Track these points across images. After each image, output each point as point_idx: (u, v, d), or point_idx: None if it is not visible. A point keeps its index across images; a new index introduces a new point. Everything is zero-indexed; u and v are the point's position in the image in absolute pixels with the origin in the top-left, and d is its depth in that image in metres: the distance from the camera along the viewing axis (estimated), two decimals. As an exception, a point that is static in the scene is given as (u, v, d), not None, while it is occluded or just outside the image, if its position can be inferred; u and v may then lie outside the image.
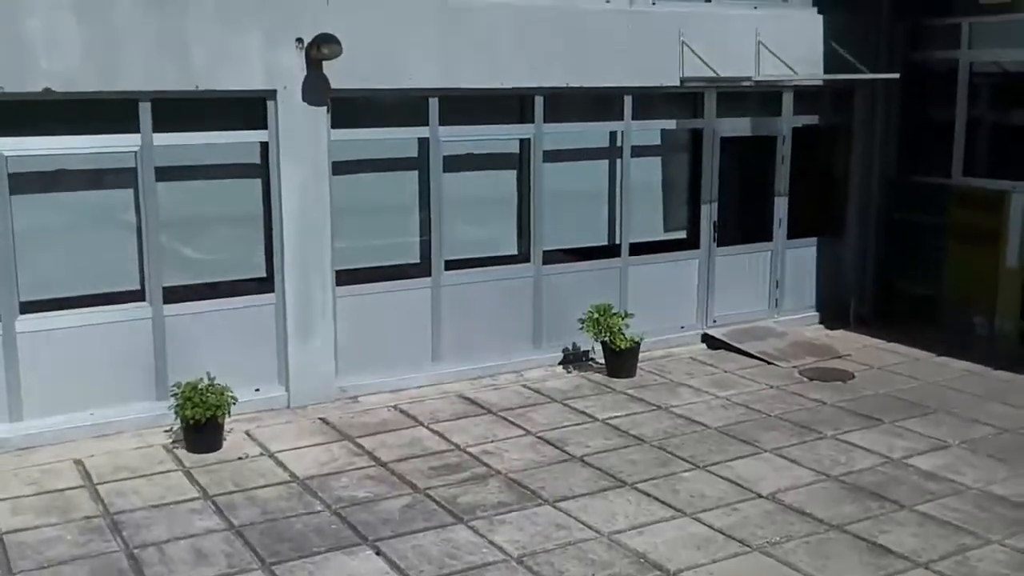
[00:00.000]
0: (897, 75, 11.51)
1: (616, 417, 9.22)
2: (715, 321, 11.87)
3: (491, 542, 6.75)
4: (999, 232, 11.53)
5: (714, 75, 10.68)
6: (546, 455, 8.32)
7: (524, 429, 8.92)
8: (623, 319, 10.47)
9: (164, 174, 8.76)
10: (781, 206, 12.15)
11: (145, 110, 8.53)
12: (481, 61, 9.89)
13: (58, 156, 8.37)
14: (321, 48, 8.88)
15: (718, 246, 11.76)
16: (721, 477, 7.85)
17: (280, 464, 8.13)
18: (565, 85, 10.37)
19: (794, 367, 10.80)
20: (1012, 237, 11.42)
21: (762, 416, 9.25)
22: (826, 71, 11.82)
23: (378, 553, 6.61)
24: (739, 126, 11.68)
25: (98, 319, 8.64)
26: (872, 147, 12.53)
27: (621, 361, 10.44)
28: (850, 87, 12.02)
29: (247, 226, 9.31)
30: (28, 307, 8.39)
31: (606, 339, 10.41)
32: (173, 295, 8.93)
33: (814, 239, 12.51)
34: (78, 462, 8.09)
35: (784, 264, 12.30)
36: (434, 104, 9.81)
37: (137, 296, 8.84)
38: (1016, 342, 11.43)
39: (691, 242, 11.73)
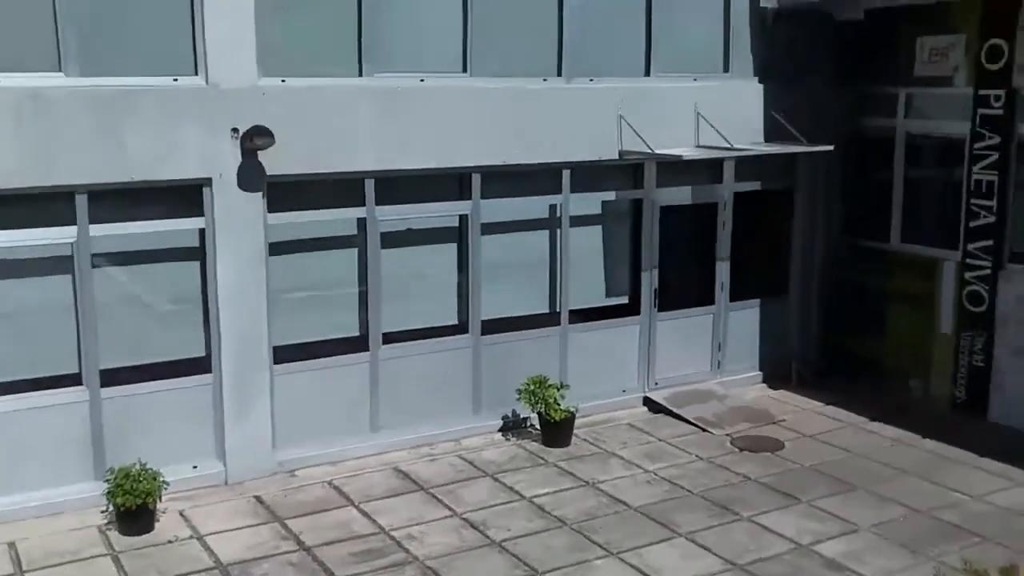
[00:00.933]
0: (831, 147, 11.76)
1: (542, 495, 9.48)
2: (657, 384, 12.13)
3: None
4: (933, 298, 11.79)
5: (649, 151, 10.93)
6: (467, 540, 8.59)
7: (451, 510, 9.18)
8: (558, 390, 10.74)
9: (102, 260, 9.04)
10: (723, 270, 12.41)
11: (82, 202, 8.81)
12: (418, 143, 10.17)
13: (-2, 248, 8.65)
14: (255, 139, 9.17)
15: (659, 311, 12.02)
16: (631, 566, 8.11)
17: (207, 548, 8.41)
18: (502, 163, 10.64)
19: (727, 435, 11.06)
20: (944, 303, 11.68)
21: (685, 494, 9.51)
22: (767, 139, 12.10)
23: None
24: (680, 195, 11.94)
25: (37, 403, 8.92)
26: (815, 211, 12.79)
27: (556, 431, 10.71)
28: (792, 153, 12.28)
29: (185, 308, 9.58)
30: (-33, 393, 8.68)
31: (541, 410, 10.67)
32: (111, 377, 9.20)
33: (757, 301, 12.75)
34: (11, 545, 8.37)
35: (727, 326, 12.55)
36: (370, 185, 10.09)
37: (75, 380, 9.11)
38: (949, 407, 11.69)
39: (632, 308, 11.99)
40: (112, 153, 8.78)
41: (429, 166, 10.27)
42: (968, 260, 11.36)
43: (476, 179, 10.64)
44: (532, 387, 10.72)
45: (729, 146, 11.34)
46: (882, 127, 12.30)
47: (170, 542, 8.54)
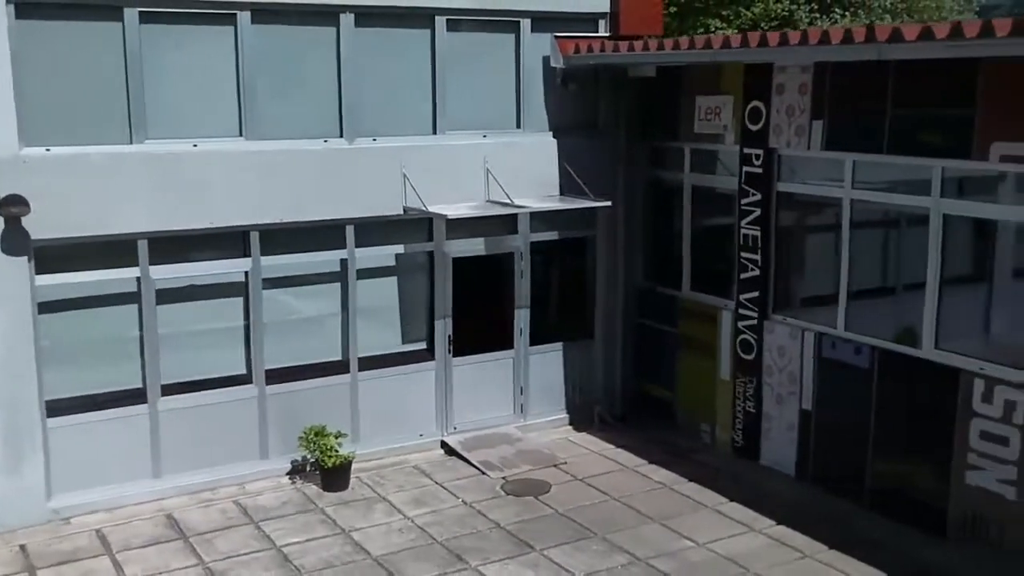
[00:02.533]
0: (609, 203, 12.32)
1: (293, 544, 9.97)
2: (455, 428, 12.63)
3: None
4: (715, 345, 12.31)
5: (425, 210, 11.44)
6: (195, 591, 9.09)
7: (199, 559, 9.68)
8: (336, 438, 11.24)
9: None
10: (523, 316, 12.90)
11: None
12: (192, 204, 10.66)
13: None
14: (10, 208, 9.68)
15: (454, 356, 12.51)
16: (336, 617, 8.60)
17: (-52, 599, 8.90)
18: (280, 221, 11.14)
19: (503, 477, 11.56)
20: (723, 351, 12.19)
21: (428, 543, 9.99)
22: (564, 192, 12.62)
23: None
24: (472, 246, 12.44)
25: None
26: (616, 257, 13.29)
27: (333, 476, 11.22)
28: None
29: (-45, 367, 10.08)
30: None
31: (317, 457, 11.18)
32: None
33: (560, 345, 13.25)
34: None
35: (528, 371, 13.05)
36: (143, 246, 10.59)
37: None
38: (731, 451, 12.20)
39: (428, 354, 12.48)
40: None
41: (203, 226, 10.76)
42: (740, 310, 11.87)
43: (255, 237, 11.13)
44: (309, 435, 11.22)
45: (510, 203, 11.85)
46: (673, 180, 12.83)
47: (-83, 591, 9.02)
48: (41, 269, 10.20)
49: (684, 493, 11.14)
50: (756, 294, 11.64)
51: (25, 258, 10.03)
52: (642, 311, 13.41)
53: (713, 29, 25.37)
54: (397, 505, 10.90)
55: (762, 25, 25.69)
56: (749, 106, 11.44)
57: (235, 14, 10.70)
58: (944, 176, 9.64)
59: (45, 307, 10.32)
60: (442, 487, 11.38)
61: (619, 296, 13.39)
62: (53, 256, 10.22)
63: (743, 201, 11.66)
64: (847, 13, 26.97)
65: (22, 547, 9.93)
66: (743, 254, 11.75)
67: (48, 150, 10.05)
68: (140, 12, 10.22)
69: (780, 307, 11.55)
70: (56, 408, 10.49)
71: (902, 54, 9.06)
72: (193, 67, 10.66)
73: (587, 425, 13.22)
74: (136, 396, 10.92)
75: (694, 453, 12.26)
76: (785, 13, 25.97)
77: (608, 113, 12.95)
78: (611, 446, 12.57)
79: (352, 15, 11.27)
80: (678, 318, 12.90)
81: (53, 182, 9.96)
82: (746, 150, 11.55)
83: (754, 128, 11.41)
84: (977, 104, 9.19)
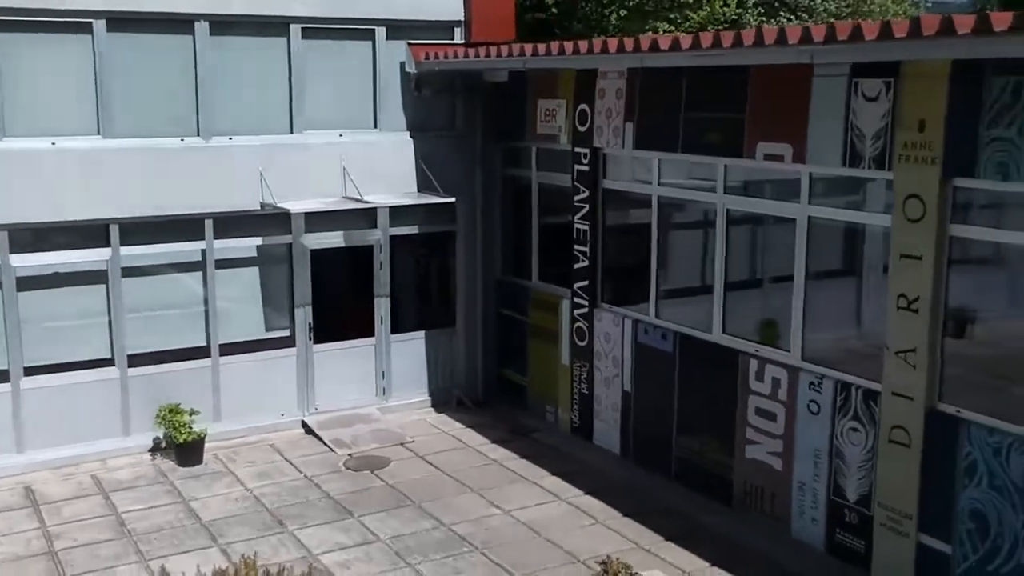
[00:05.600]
0: (453, 199, 13.21)
1: (133, 511, 10.79)
2: (317, 409, 13.47)
3: None
4: (557, 332, 13.15)
5: (276, 205, 12.30)
6: (31, 549, 9.92)
7: (41, 523, 10.53)
8: (190, 415, 12.09)
9: None
10: (383, 305, 13.74)
11: None
12: (53, 199, 11.51)
13: None
14: None
15: (315, 343, 13.35)
16: (149, 570, 9.44)
17: None
18: (138, 215, 11.99)
19: (349, 454, 12.40)
20: (564, 337, 13.04)
21: (256, 512, 10.81)
22: (421, 189, 13.48)
23: None
24: (330, 239, 13.28)
25: None
26: (475, 250, 14.14)
27: (186, 452, 12.07)
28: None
29: None
30: None
31: (170, 433, 12.02)
32: None
33: (423, 333, 14.09)
34: None
35: (389, 356, 13.89)
36: (3, 236, 11.43)
37: None
38: (570, 431, 13.04)
39: (290, 340, 13.32)
40: None
41: (57, 219, 11.60)
42: (575, 299, 12.71)
43: (114, 229, 11.98)
44: (164, 414, 12.07)
45: (359, 199, 12.70)
46: (523, 177, 13.69)
47: None
48: (-96, 257, 11.04)
49: (511, 468, 11.98)
50: (587, 283, 12.49)
51: None
52: (501, 301, 14.26)
53: (661, 31, 26.18)
54: (242, 478, 11.74)
55: (709, 27, 26.48)
56: (578, 109, 12.29)
57: (91, 22, 11.53)
58: (727, 174, 10.49)
59: (-89, 293, 11.16)
60: (290, 463, 12.23)
61: (479, 287, 14.23)
62: (-84, 245, 11.06)
63: (575, 197, 12.51)
64: (793, 17, 27.80)
65: None
66: (576, 247, 12.59)
67: (-91, 147, 10.88)
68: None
69: (607, 296, 12.39)
70: (-80, 386, 11.34)
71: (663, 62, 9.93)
72: (53, 70, 11.49)
73: (446, 408, 14.05)
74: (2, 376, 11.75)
75: (536, 433, 13.09)
76: (734, 16, 26.75)
77: (464, 115, 13.80)
78: (461, 426, 13.41)
79: (207, 23, 12.12)
80: (529, 307, 13.75)
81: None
82: (576, 149, 12.39)
83: (582, 129, 12.26)
84: (746, 107, 10.03)
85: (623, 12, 25.79)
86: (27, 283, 11.73)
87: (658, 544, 9.92)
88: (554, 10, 22.23)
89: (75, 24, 11.53)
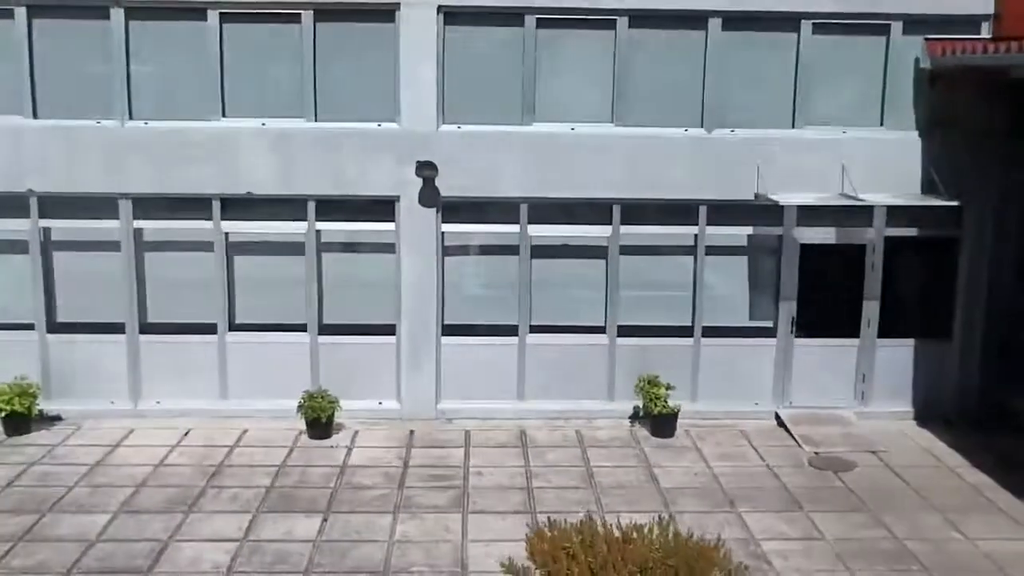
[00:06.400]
0: (956, 202, 12.36)
1: (603, 467, 11.81)
2: (791, 403, 13.54)
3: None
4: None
5: (768, 198, 12.55)
6: (513, 482, 11.32)
7: (525, 461, 11.95)
8: (666, 389, 12.85)
9: (326, 248, 13.12)
10: (871, 307, 13.38)
11: (311, 207, 12.93)
12: (564, 179, 12.89)
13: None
14: (423, 170, 12.63)
15: (796, 338, 13.41)
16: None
17: (348, 452, 12.08)
18: (637, 196, 12.96)
19: (816, 452, 12.33)
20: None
21: (711, 488, 11.25)
22: (924, 191, 12.93)
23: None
24: (821, 235, 13.20)
25: (277, 339, 13.27)
26: (982, 260, 13.17)
27: (659, 423, 12.85)
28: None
29: (382, 290, 13.29)
30: None
31: (647, 404, 12.88)
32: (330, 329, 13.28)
33: (912, 341, 13.48)
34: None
35: (873, 360, 13.49)
36: (524, 208, 13.04)
37: (303, 328, 13.30)
38: None
39: (772, 332, 13.51)
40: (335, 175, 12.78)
41: (574, 196, 12.94)
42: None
43: (616, 209, 13.09)
44: (643, 384, 12.96)
45: (855, 196, 12.48)
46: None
47: (332, 447, 12.36)
48: (446, 219, 13.04)
49: (988, 497, 11.09)
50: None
51: (434, 210, 12.94)
52: (1009, 319, 13.11)
53: None
54: (706, 456, 12.24)
55: None
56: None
57: (615, 19, 12.66)
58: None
59: (447, 251, 13.18)
60: (755, 450, 12.47)
61: (982, 300, 13.24)
62: (455, 209, 13.00)
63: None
64: None
65: (411, 432, 12.91)
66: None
67: (459, 127, 12.83)
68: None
69: None
70: (449, 331, 13.33)
71: None
72: (576, 63, 12.82)
73: (930, 424, 13.31)
74: (509, 331, 13.39)
75: (1033, 466, 11.96)
76: None
77: (985, 114, 12.86)
78: (944, 446, 12.64)
79: (720, 19, 12.69)
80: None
81: (458, 150, 12.75)
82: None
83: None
84: None
85: None
86: (538, 252, 13.22)
87: None
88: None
89: (602, 21, 12.70)
